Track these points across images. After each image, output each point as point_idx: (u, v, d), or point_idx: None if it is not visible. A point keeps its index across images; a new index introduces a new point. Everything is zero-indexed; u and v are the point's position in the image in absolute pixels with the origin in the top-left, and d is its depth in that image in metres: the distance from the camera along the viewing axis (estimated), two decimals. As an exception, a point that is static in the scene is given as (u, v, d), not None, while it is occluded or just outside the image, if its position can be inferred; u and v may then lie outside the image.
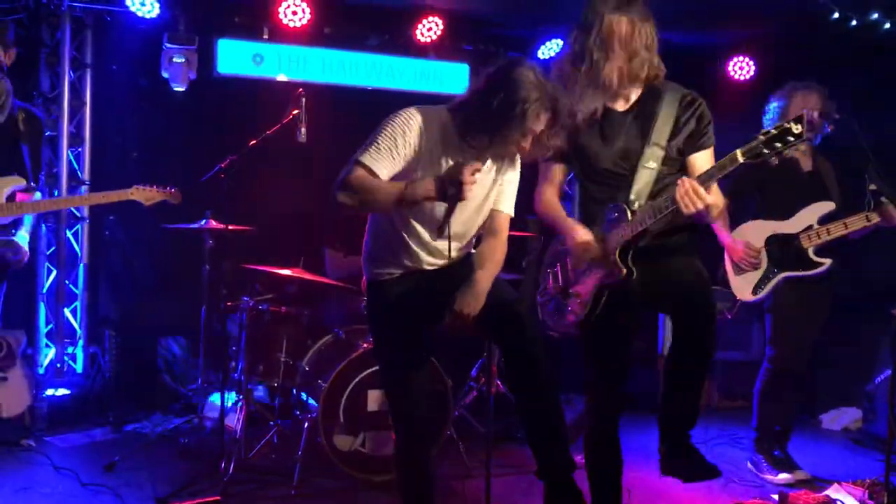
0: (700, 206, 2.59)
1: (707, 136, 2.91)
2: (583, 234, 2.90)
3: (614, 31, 2.80)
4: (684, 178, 2.64)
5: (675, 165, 2.92)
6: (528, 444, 2.85)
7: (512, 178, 2.95)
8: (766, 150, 2.53)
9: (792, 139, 2.49)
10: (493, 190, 2.89)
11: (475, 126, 2.70)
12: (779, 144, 2.51)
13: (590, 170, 2.99)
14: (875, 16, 4.89)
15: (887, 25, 4.91)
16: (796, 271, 4.02)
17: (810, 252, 3.99)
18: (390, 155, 2.68)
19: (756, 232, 4.10)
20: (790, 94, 4.08)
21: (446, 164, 2.73)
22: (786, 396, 4.15)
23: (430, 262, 2.86)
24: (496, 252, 2.90)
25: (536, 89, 2.64)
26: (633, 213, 2.83)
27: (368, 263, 2.96)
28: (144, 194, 4.02)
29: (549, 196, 3.09)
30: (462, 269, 2.84)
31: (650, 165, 2.87)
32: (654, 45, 2.87)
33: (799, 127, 2.48)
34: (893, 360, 3.50)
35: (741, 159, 2.57)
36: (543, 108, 2.65)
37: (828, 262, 3.98)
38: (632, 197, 2.86)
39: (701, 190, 2.59)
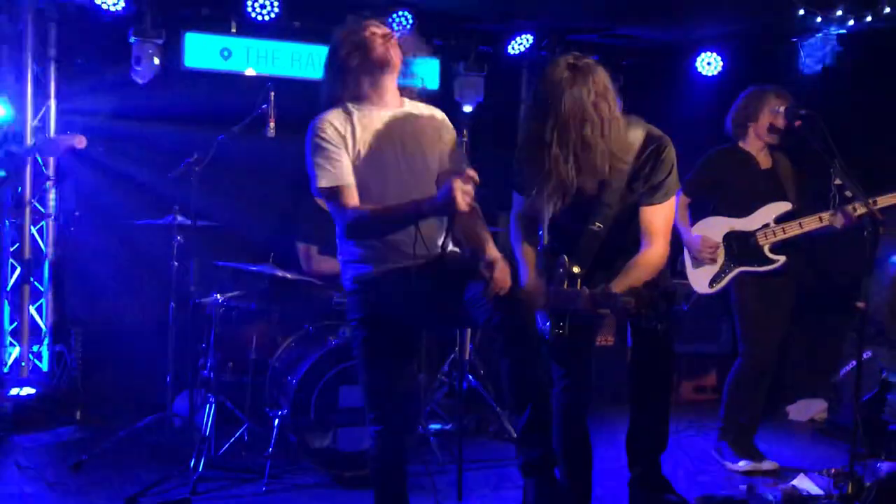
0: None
1: (665, 190, 2.85)
2: (529, 283, 2.89)
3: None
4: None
5: (626, 220, 2.88)
6: (515, 435, 2.84)
7: (450, 137, 2.95)
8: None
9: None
10: (437, 151, 2.88)
11: (345, 84, 2.79)
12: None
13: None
14: (839, 12, 4.96)
15: (851, 22, 4.98)
16: (751, 267, 4.13)
17: (766, 249, 4.11)
18: (331, 161, 2.69)
19: (714, 228, 4.20)
20: (751, 99, 4.21)
21: (367, 136, 2.75)
22: (756, 391, 4.23)
23: (405, 244, 2.81)
24: (480, 223, 2.87)
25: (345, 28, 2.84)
26: (571, 277, 2.79)
27: (350, 262, 2.91)
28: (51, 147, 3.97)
29: (515, 227, 3.10)
30: (446, 265, 2.80)
31: (596, 228, 2.83)
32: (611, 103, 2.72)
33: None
34: (858, 352, 3.56)
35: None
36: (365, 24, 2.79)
37: (782, 258, 4.09)
38: (574, 269, 2.80)
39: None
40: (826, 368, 5.26)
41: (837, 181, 3.79)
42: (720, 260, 4.17)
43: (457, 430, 3.96)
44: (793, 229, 4.07)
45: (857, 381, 3.53)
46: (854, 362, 4.04)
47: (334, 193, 2.70)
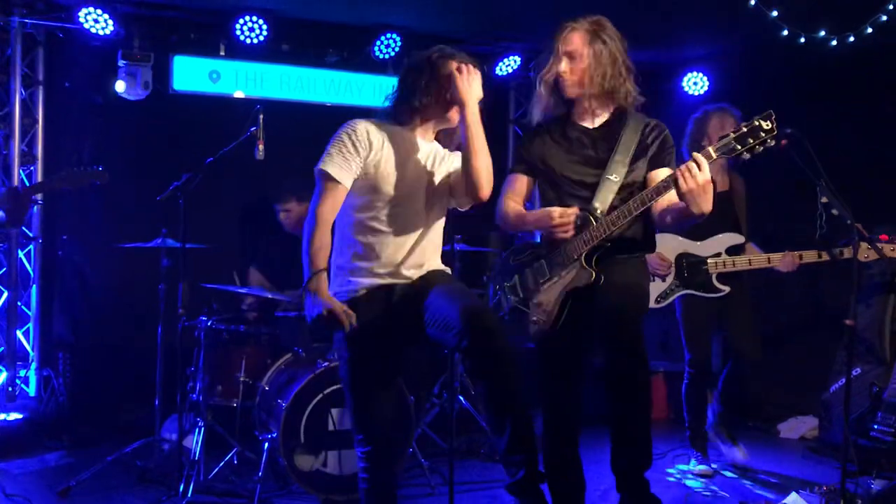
0: (700, 180, 2.62)
1: (669, 158, 3.01)
2: (559, 208, 2.94)
3: (572, 41, 2.98)
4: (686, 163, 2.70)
5: (636, 182, 2.98)
6: (499, 457, 2.83)
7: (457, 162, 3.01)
8: (738, 146, 2.60)
9: (763, 135, 2.56)
10: (444, 180, 2.96)
11: (411, 105, 2.86)
12: (751, 140, 2.59)
13: (554, 180, 3.03)
14: (822, 33, 5.03)
15: (834, 42, 5.05)
16: (697, 291, 4.34)
17: (714, 278, 4.31)
18: (343, 157, 2.78)
19: (670, 246, 4.36)
20: (699, 121, 4.42)
21: (398, 155, 2.83)
22: (704, 394, 4.49)
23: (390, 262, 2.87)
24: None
25: (435, 51, 2.87)
26: (596, 219, 2.88)
27: (336, 276, 2.91)
28: (70, 180, 3.95)
29: (512, 205, 3.13)
30: (431, 285, 2.82)
31: (613, 178, 2.93)
32: (621, 63, 3.00)
33: (769, 123, 2.55)
34: (847, 370, 3.57)
35: (714, 155, 2.63)
36: (451, 58, 2.84)
37: (726, 289, 4.29)
38: (595, 204, 2.91)
39: (696, 167, 2.63)
40: (816, 387, 5.26)
41: (824, 199, 3.82)
42: (669, 278, 4.36)
43: (448, 452, 3.94)
44: (742, 264, 4.29)
45: (846, 398, 3.53)
46: (844, 379, 4.05)
47: (327, 180, 2.80)
